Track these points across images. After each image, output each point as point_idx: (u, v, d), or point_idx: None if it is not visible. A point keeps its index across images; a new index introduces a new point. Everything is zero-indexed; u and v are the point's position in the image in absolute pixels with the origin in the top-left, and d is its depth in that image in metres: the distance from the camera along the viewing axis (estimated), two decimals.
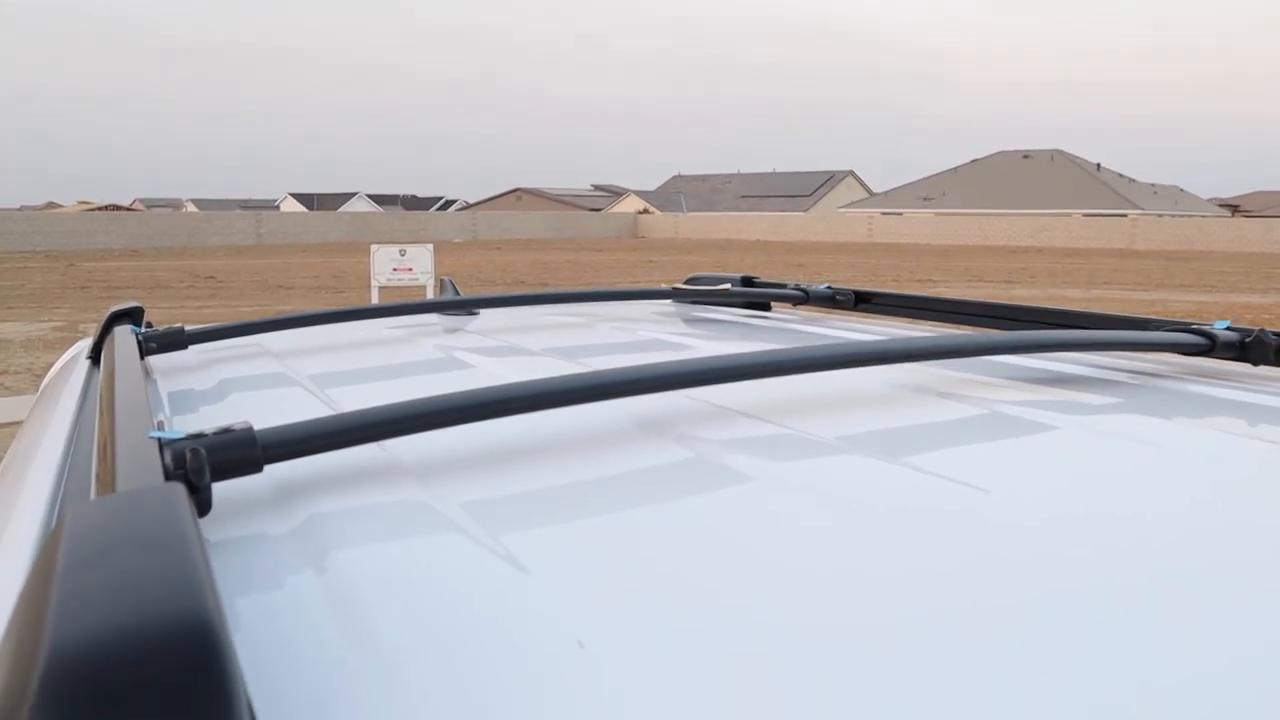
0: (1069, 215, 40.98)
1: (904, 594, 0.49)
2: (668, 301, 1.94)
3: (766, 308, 1.88)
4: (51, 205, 69.47)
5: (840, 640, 0.44)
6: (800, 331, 1.52)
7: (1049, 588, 0.50)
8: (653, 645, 0.44)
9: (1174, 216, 39.52)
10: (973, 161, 53.80)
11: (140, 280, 18.68)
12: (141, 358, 1.12)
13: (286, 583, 0.53)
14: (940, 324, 1.60)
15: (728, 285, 1.86)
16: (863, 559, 0.54)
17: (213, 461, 0.59)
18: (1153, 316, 1.26)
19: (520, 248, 33.63)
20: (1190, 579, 0.52)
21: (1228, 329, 1.14)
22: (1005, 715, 0.38)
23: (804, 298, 1.79)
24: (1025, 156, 52.02)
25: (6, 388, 7.87)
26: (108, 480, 0.53)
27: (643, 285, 1.93)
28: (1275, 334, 1.13)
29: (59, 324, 11.83)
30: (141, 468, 0.54)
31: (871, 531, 0.59)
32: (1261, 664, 0.43)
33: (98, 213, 39.05)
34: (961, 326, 1.53)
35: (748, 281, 1.89)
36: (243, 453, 0.62)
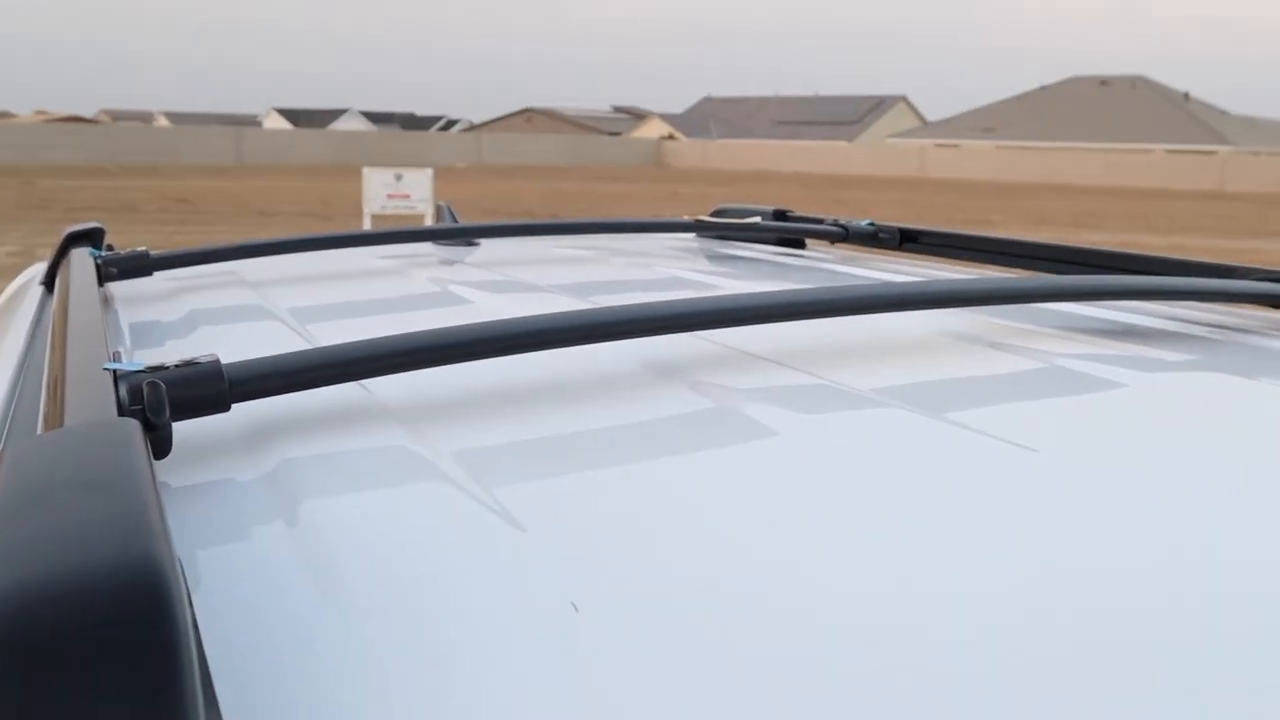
0: (1150, 151, 40.38)
1: (936, 566, 0.49)
2: (690, 235, 1.92)
3: (801, 245, 1.86)
4: (5, 115, 69.50)
5: (865, 613, 0.44)
6: (837, 272, 1.50)
7: (1102, 566, 0.50)
8: (653, 614, 0.43)
9: (1271, 155, 38.88)
10: (1041, 88, 52.98)
11: (105, 202, 18.71)
12: (100, 284, 1.12)
13: (253, 533, 0.53)
14: (996, 268, 1.58)
15: (758, 219, 1.85)
16: (893, 524, 0.54)
17: (173, 397, 0.59)
18: (1240, 264, 1.23)
19: (530, 175, 33.48)
20: (1272, 561, 0.51)
21: None
22: (1041, 688, 0.39)
23: (843, 235, 1.77)
24: (1103, 84, 51.18)
25: None
26: (56, 415, 0.54)
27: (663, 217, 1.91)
28: None
29: (14, 249, 11.87)
30: (93, 402, 0.54)
31: (904, 495, 0.58)
32: None
33: (57, 124, 39.04)
34: (1020, 271, 1.52)
35: (780, 215, 1.87)
36: (208, 388, 0.62)
